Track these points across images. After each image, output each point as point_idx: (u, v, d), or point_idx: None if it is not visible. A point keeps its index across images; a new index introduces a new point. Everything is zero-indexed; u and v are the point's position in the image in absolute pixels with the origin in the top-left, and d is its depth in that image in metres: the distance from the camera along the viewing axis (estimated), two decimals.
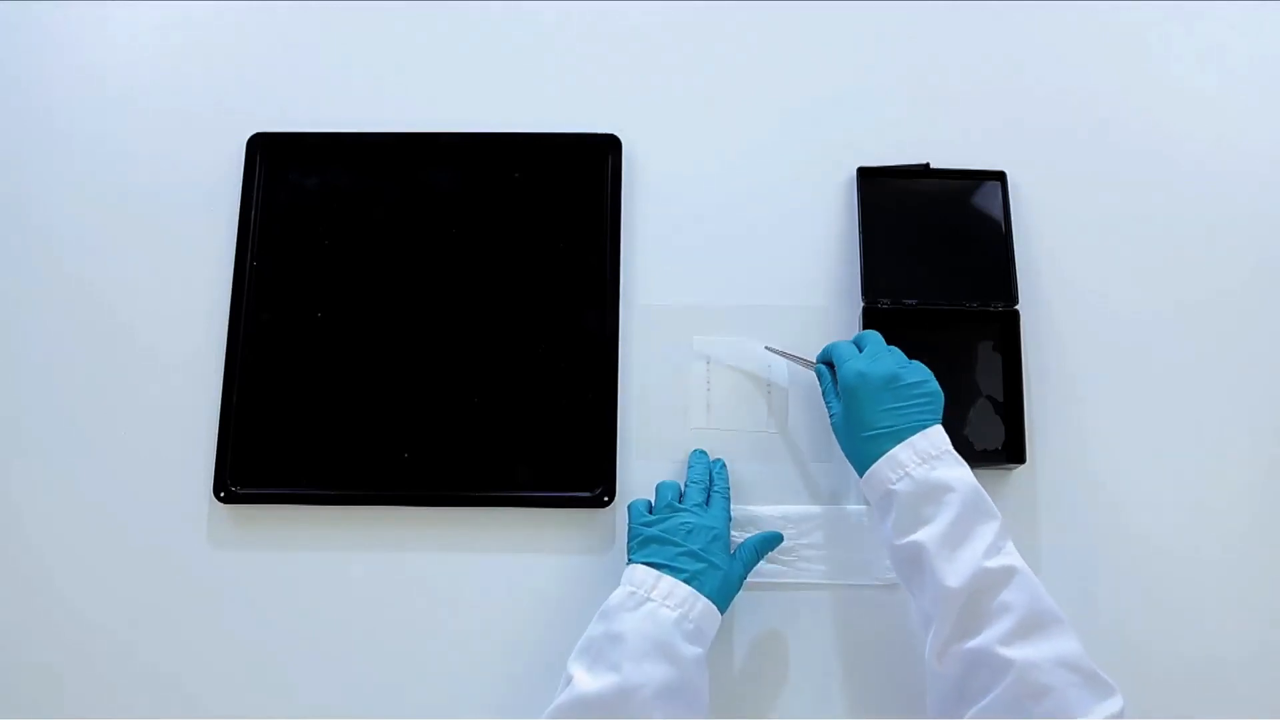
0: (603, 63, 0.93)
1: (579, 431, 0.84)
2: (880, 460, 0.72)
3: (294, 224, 0.89)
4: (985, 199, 0.88)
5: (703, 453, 0.83)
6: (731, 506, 0.79)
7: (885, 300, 0.84)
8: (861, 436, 0.73)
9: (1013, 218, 0.87)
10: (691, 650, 0.69)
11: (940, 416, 0.74)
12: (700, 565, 0.72)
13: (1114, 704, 0.62)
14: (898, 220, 0.87)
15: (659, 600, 0.70)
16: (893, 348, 0.77)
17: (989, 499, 0.71)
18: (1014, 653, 0.63)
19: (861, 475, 0.74)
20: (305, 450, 0.84)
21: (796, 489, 0.83)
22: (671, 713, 0.67)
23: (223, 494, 0.83)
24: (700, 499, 0.78)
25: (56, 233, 0.90)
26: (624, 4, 0.95)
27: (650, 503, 0.79)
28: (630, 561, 0.74)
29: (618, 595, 0.71)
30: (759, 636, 0.80)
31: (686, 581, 0.71)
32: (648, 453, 0.84)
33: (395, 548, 0.83)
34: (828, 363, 0.79)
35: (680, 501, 0.78)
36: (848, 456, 0.76)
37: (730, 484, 0.81)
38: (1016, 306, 0.84)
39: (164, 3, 0.96)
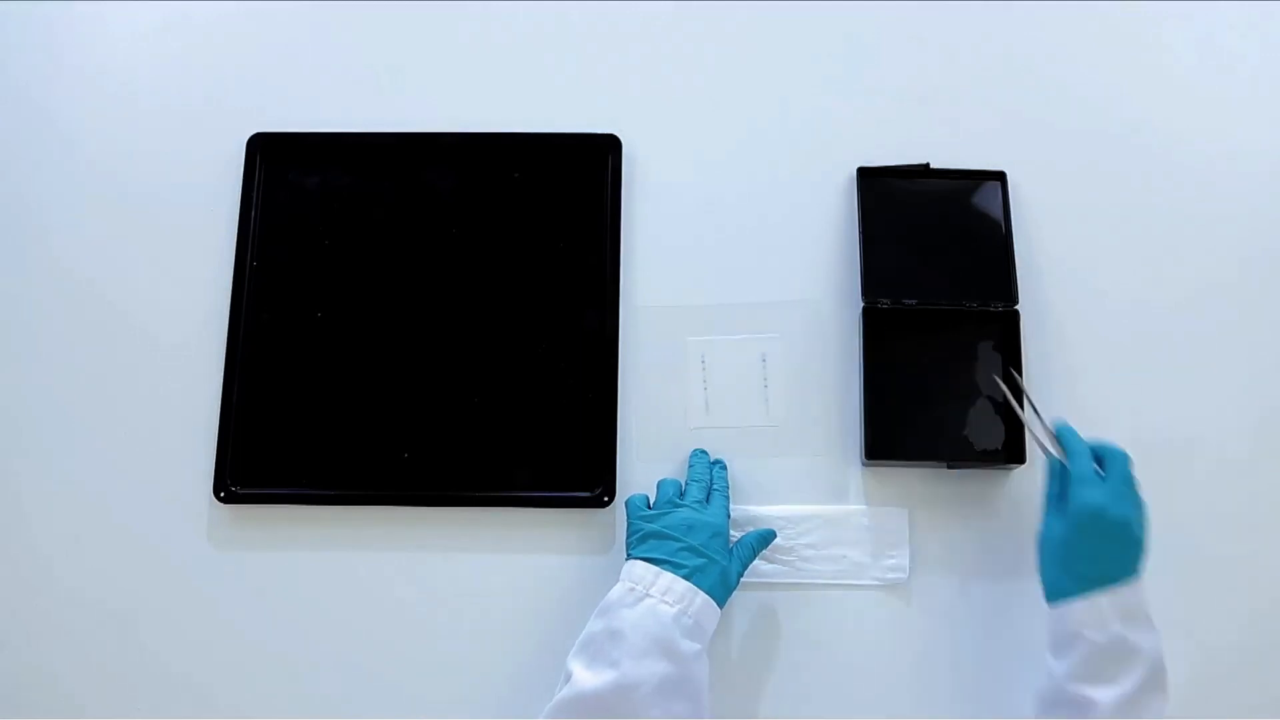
0: (603, 63, 0.93)
1: (579, 431, 0.84)
2: (1081, 601, 0.68)
3: (294, 224, 0.89)
4: (985, 199, 0.88)
5: (703, 452, 0.83)
6: (731, 506, 0.79)
7: (885, 300, 0.84)
8: (1073, 573, 0.69)
9: (1013, 218, 0.87)
10: (690, 646, 0.69)
11: (1142, 566, 0.70)
12: (700, 561, 0.72)
13: None
14: (897, 220, 0.87)
15: (658, 596, 0.70)
16: (1129, 478, 0.72)
17: (1166, 671, 0.69)
18: None
19: (1052, 603, 0.71)
20: (305, 450, 0.84)
21: (796, 488, 0.83)
22: (671, 708, 0.67)
23: (223, 494, 0.83)
24: (701, 496, 0.78)
25: (56, 233, 0.90)
26: (624, 4, 0.94)
27: (649, 498, 0.79)
28: (629, 557, 0.74)
29: (616, 591, 0.71)
30: (758, 636, 0.80)
31: (685, 577, 0.71)
32: (648, 453, 0.84)
33: (395, 548, 0.83)
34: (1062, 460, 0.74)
35: (681, 498, 0.78)
36: (1042, 575, 0.72)
37: (730, 484, 0.81)
38: (1016, 306, 0.84)
39: (164, 2, 0.96)
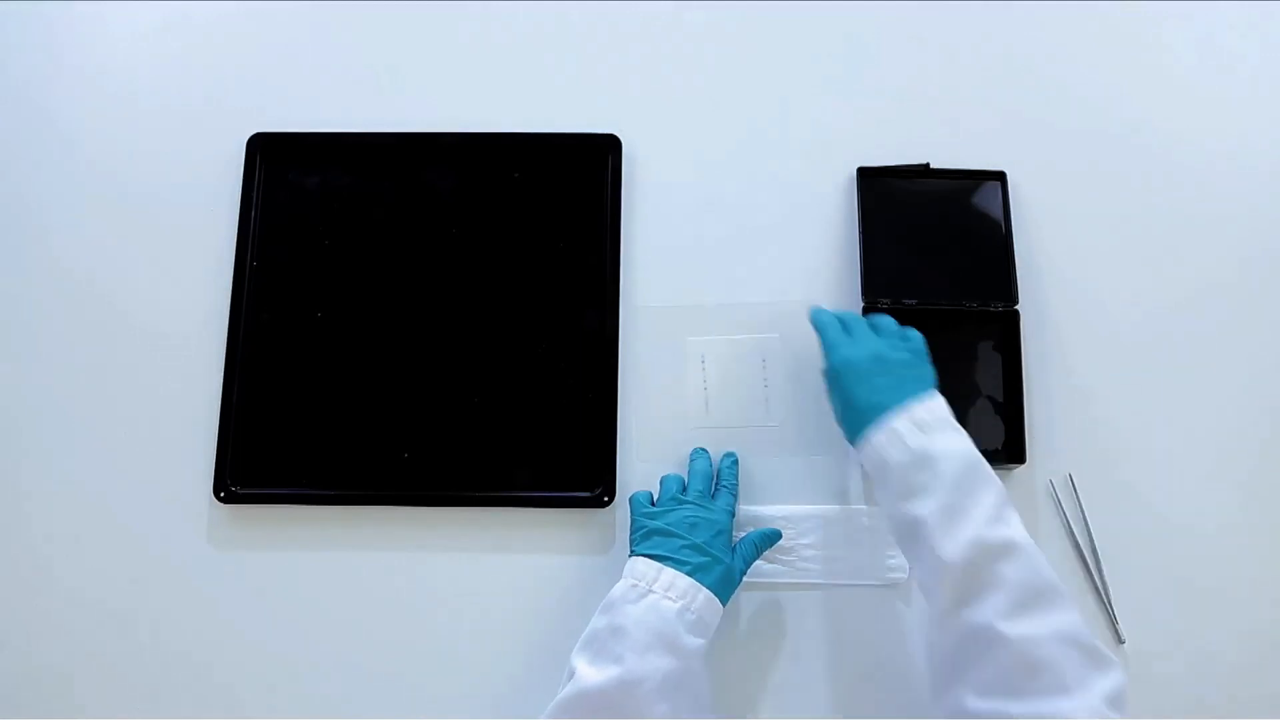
0: (603, 63, 0.93)
1: (579, 431, 0.84)
2: (877, 430, 0.71)
3: (294, 224, 0.89)
4: (985, 199, 0.88)
5: (704, 450, 0.83)
6: (738, 504, 0.79)
7: (885, 300, 0.84)
8: (856, 419, 0.73)
9: (1013, 218, 0.87)
10: (694, 641, 0.69)
11: (935, 384, 0.74)
12: (703, 559, 0.72)
13: (1114, 679, 0.61)
14: (898, 220, 0.87)
15: (660, 592, 0.70)
16: (879, 318, 0.78)
17: (988, 468, 0.69)
18: (1011, 628, 0.62)
19: (856, 447, 0.74)
20: (305, 450, 0.84)
21: (796, 488, 0.83)
22: (675, 704, 0.67)
23: (223, 494, 0.83)
24: (704, 488, 0.78)
25: (56, 233, 0.90)
26: (624, 4, 0.94)
27: (653, 495, 0.79)
28: (633, 554, 0.74)
29: (620, 588, 0.72)
30: (759, 636, 0.80)
31: (689, 574, 0.71)
32: (648, 453, 0.84)
33: (395, 548, 0.83)
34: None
35: (684, 494, 0.78)
36: (850, 441, 0.75)
37: (738, 481, 0.81)
38: (1016, 306, 0.84)
39: (164, 2, 0.96)
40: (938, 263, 0.86)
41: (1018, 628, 0.62)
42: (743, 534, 0.78)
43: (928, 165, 0.88)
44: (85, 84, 0.94)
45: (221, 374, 0.85)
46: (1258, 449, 0.84)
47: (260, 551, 0.83)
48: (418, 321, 0.86)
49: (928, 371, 0.75)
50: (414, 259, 0.88)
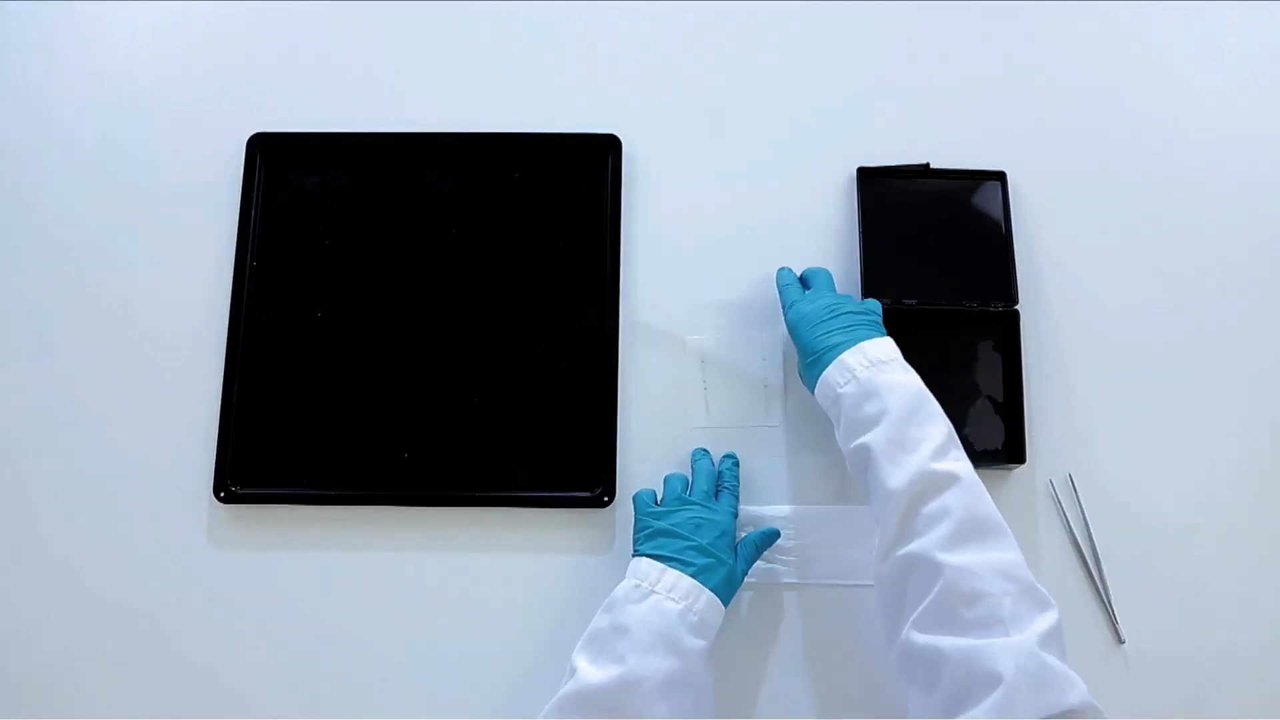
0: (603, 63, 0.93)
1: (579, 431, 0.84)
2: (830, 366, 0.73)
3: (294, 224, 0.89)
4: (985, 199, 0.88)
5: (705, 450, 0.83)
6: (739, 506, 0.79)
7: (885, 300, 0.84)
8: (809, 361, 0.75)
9: (1013, 218, 0.87)
10: (696, 642, 0.69)
11: (884, 333, 0.76)
12: (707, 560, 0.72)
13: (1049, 617, 0.61)
14: (898, 220, 0.87)
15: (663, 593, 0.70)
16: (819, 282, 0.81)
17: (936, 404, 0.71)
18: (949, 557, 0.63)
19: (814, 390, 0.76)
20: (305, 450, 0.84)
21: (797, 488, 0.83)
22: (675, 705, 0.67)
23: (223, 494, 0.83)
24: (708, 488, 0.78)
25: (56, 233, 0.90)
26: (624, 4, 0.94)
27: (657, 494, 0.79)
28: (636, 553, 0.74)
29: (623, 588, 0.72)
30: (759, 636, 0.80)
31: (692, 575, 0.71)
32: (648, 453, 0.84)
33: (395, 548, 0.83)
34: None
35: (688, 494, 0.78)
36: (804, 380, 0.78)
37: (739, 482, 0.81)
38: (1016, 306, 0.84)
39: (164, 2, 0.96)
40: (938, 263, 0.86)
41: (956, 558, 0.63)
42: (743, 534, 0.78)
43: (928, 165, 0.88)
44: (85, 84, 0.94)
45: (221, 374, 0.85)
46: (1258, 449, 0.84)
47: (260, 551, 0.83)
48: (418, 321, 0.86)
49: (879, 326, 0.77)
50: (414, 259, 0.88)
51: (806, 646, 0.80)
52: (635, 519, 0.77)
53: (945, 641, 0.60)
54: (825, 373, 0.73)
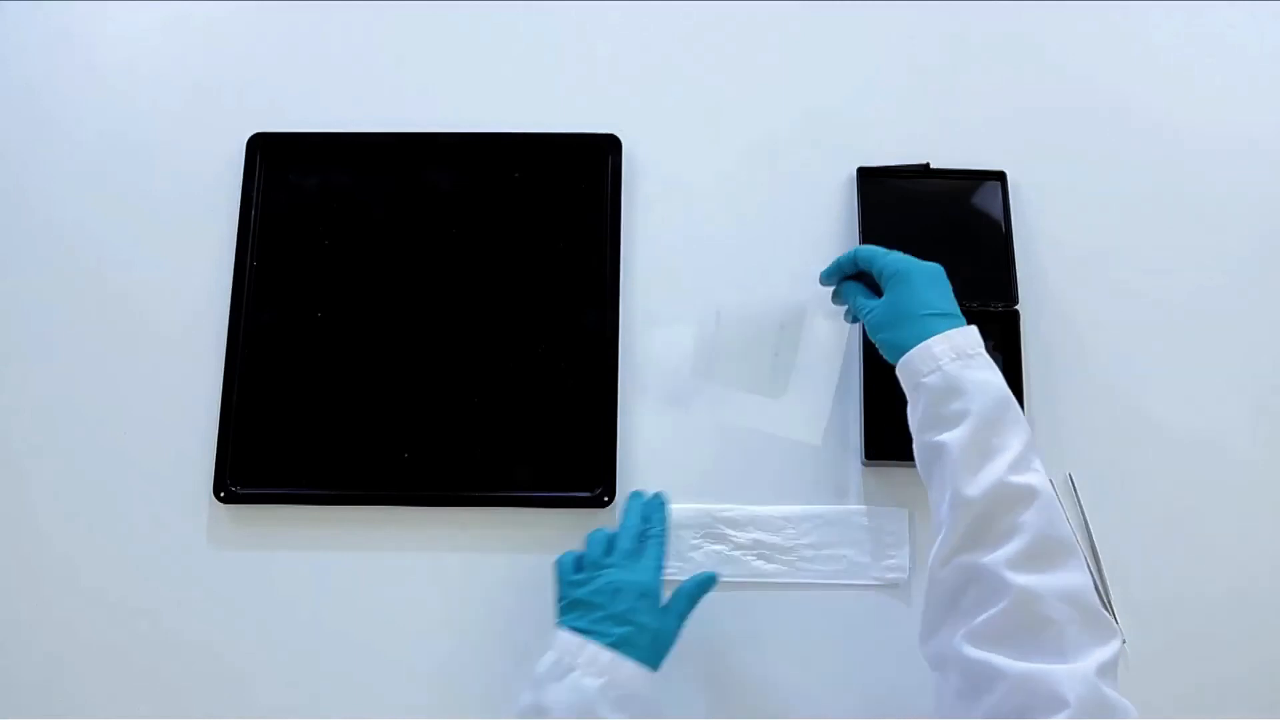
0: (603, 63, 0.93)
1: (579, 431, 0.84)
2: (916, 349, 0.69)
3: (294, 224, 0.89)
4: (985, 199, 0.88)
5: (638, 494, 0.81)
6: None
7: None
8: (917, 315, 0.71)
9: (1013, 218, 0.87)
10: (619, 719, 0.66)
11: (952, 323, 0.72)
12: (624, 630, 0.68)
13: (1111, 647, 0.60)
14: (898, 220, 0.87)
15: (582, 668, 0.67)
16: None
17: (1018, 409, 0.67)
18: (1017, 577, 0.61)
19: (896, 362, 0.72)
20: (305, 450, 0.84)
21: (796, 488, 0.83)
22: None
23: (223, 494, 0.83)
24: (630, 546, 0.74)
25: (56, 232, 0.90)
26: (624, 4, 0.94)
27: (579, 556, 0.75)
28: (558, 624, 0.71)
29: (545, 662, 0.68)
30: (758, 636, 0.80)
31: (612, 646, 0.67)
32: (648, 453, 0.84)
33: (395, 548, 0.83)
34: (851, 276, 0.79)
35: (610, 553, 0.74)
36: (886, 351, 0.73)
37: (668, 525, 0.78)
38: (1016, 306, 0.84)
39: (164, 2, 0.96)
40: (938, 263, 0.86)
41: (1024, 578, 0.61)
42: (679, 583, 0.73)
43: (928, 165, 0.88)
44: (85, 84, 0.94)
45: (221, 374, 0.85)
46: (1258, 449, 0.84)
47: (260, 551, 0.83)
48: (418, 321, 0.86)
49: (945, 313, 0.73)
50: (414, 259, 0.88)
51: (805, 646, 0.80)
52: (556, 587, 0.74)
53: (1003, 661, 0.59)
54: (910, 355, 0.70)
